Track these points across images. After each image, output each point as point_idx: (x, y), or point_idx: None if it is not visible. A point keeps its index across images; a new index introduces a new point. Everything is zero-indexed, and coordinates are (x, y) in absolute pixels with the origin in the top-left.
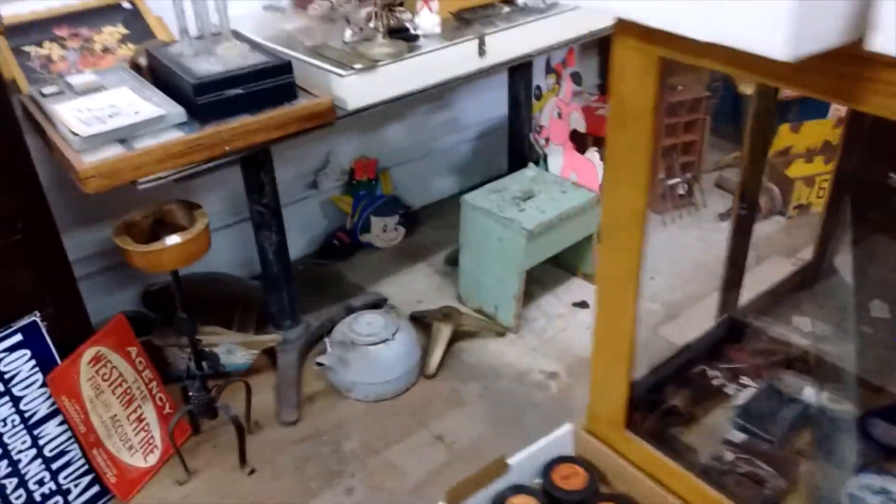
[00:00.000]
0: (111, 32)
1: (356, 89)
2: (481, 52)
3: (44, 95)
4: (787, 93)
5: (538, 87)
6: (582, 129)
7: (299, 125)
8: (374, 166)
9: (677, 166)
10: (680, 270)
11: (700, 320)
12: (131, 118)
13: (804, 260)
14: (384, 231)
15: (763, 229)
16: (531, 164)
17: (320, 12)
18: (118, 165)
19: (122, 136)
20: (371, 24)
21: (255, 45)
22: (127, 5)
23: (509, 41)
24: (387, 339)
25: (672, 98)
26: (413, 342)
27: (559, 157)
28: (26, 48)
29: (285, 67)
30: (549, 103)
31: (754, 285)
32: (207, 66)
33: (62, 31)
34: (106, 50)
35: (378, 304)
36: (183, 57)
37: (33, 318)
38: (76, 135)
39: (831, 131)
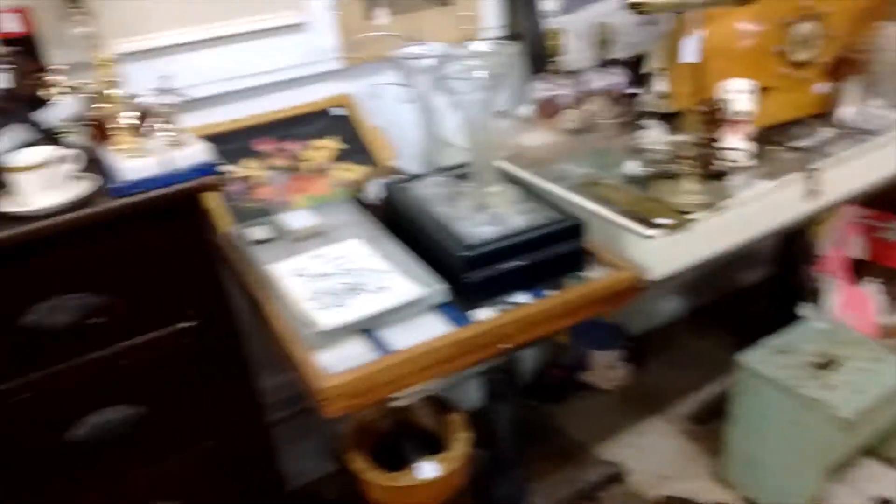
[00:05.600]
0: (321, 147)
1: (662, 253)
2: (811, 192)
3: (254, 242)
4: None
5: None
6: (864, 256)
7: (591, 310)
8: None
9: None
10: None
11: None
12: (381, 301)
13: None
14: (609, 368)
15: None
16: (807, 306)
17: (574, 125)
18: (370, 381)
19: (368, 326)
20: (673, 161)
21: (513, 182)
22: (337, 111)
23: (841, 175)
24: None
25: None
26: None
27: (834, 293)
28: (222, 167)
29: (575, 230)
30: (832, 226)
31: None
32: (475, 224)
33: (264, 145)
34: (315, 170)
35: (614, 478)
36: (435, 204)
37: None
38: (307, 323)
39: None
